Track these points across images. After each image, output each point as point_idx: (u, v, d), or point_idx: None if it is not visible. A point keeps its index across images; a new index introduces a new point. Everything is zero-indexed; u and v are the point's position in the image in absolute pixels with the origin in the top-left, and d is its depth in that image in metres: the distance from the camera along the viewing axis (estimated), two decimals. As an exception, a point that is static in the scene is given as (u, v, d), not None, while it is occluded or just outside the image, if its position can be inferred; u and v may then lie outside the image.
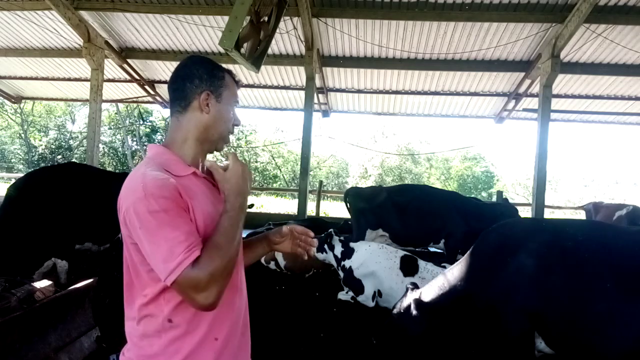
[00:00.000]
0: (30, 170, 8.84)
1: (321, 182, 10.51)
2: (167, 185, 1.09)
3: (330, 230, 4.51)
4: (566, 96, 9.55)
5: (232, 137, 1.44)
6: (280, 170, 26.77)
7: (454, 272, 2.81)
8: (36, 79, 10.81)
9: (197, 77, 1.26)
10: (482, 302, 2.57)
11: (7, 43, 9.29)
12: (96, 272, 3.36)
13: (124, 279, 1.21)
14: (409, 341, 2.99)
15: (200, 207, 1.16)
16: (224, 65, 1.36)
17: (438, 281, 2.92)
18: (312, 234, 1.44)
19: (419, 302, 2.91)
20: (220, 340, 1.19)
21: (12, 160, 25.83)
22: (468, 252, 2.80)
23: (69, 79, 10.66)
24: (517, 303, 2.38)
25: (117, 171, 16.89)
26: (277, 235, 1.44)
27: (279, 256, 5.18)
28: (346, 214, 6.27)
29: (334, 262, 4.39)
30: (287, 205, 16.79)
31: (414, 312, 2.90)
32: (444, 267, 3.86)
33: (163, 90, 10.82)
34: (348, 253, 4.25)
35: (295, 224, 1.44)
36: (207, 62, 1.30)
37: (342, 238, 4.48)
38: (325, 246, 4.41)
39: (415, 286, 3.15)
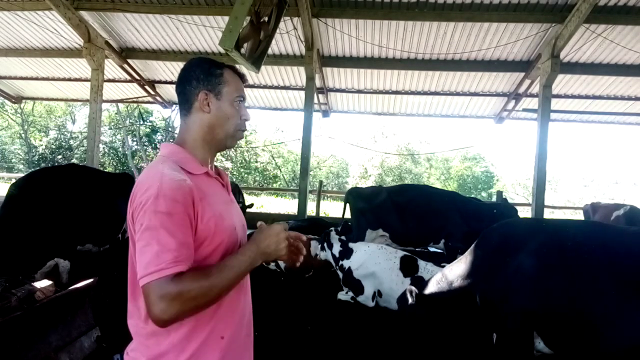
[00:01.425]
0: (30, 171, 8.85)
1: (321, 182, 10.51)
2: (182, 188, 1.11)
3: (330, 228, 4.51)
4: (566, 96, 9.54)
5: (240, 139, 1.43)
6: (280, 170, 26.76)
7: (454, 270, 2.82)
8: (36, 79, 10.80)
9: (195, 78, 1.28)
10: (481, 300, 2.58)
11: (7, 43, 9.29)
12: (97, 272, 3.36)
13: (128, 276, 1.22)
14: (408, 325, 3.06)
15: (211, 207, 1.18)
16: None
17: (437, 277, 2.95)
18: (304, 238, 1.38)
19: (417, 294, 2.95)
20: (226, 339, 1.20)
21: (13, 161, 25.82)
22: (468, 250, 2.81)
23: (70, 79, 10.65)
24: (516, 302, 2.38)
25: (117, 171, 16.90)
26: None
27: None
28: (346, 214, 6.27)
29: (332, 261, 4.40)
30: (287, 205, 16.79)
31: (411, 300, 2.94)
32: (444, 267, 3.87)
33: (163, 90, 10.83)
34: (346, 253, 4.25)
35: (294, 224, 1.43)
36: (205, 62, 1.31)
37: (342, 237, 4.47)
38: (325, 244, 4.42)
39: (419, 280, 3.19)
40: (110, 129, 25.30)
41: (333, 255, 4.34)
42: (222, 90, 1.28)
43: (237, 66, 1.40)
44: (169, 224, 1.06)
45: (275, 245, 1.19)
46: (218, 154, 1.44)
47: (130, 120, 24.96)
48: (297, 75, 9.58)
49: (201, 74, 1.28)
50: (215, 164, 1.40)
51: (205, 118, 1.27)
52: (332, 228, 4.53)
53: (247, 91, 10.53)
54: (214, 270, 1.09)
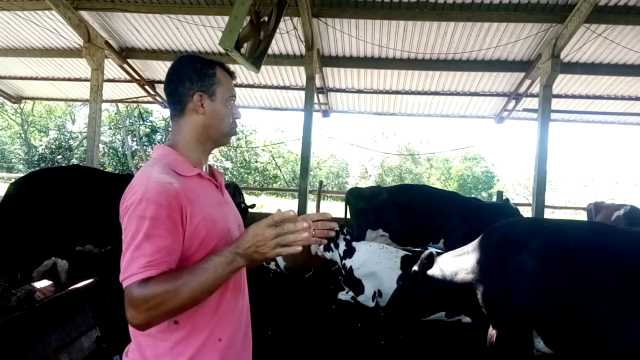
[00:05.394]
0: (30, 171, 8.84)
1: (321, 182, 10.51)
2: (167, 192, 1.09)
3: (337, 228, 4.51)
4: (566, 96, 9.54)
5: (233, 137, 1.43)
6: (281, 171, 26.75)
7: (458, 263, 2.82)
8: (36, 79, 10.79)
9: (188, 79, 1.25)
10: (482, 297, 2.58)
11: (7, 43, 9.28)
12: (96, 272, 3.36)
13: None
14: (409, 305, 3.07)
15: (201, 209, 1.16)
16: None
17: (441, 265, 2.96)
18: (329, 215, 1.22)
19: (422, 272, 2.98)
20: (224, 341, 1.20)
21: (13, 161, 25.82)
22: (472, 246, 2.81)
23: (69, 79, 10.64)
24: (516, 302, 2.38)
25: (117, 172, 16.89)
26: None
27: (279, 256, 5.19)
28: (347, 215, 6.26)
29: (339, 261, 4.40)
30: (287, 206, 16.79)
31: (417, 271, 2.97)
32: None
33: (163, 90, 10.82)
34: (349, 252, 4.26)
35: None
36: (196, 62, 1.28)
37: (348, 237, 4.47)
38: (332, 244, 4.42)
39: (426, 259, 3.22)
40: (110, 129, 25.29)
41: (339, 255, 4.36)
42: (216, 91, 1.27)
43: (233, 69, 1.38)
44: (149, 228, 1.05)
45: (254, 248, 1.05)
46: (218, 154, 1.43)
47: (130, 120, 24.96)
48: (297, 75, 9.58)
49: (194, 75, 1.25)
50: (215, 164, 1.39)
51: (200, 119, 1.26)
52: (338, 228, 4.52)
53: (247, 91, 10.54)
54: (185, 273, 1.04)
